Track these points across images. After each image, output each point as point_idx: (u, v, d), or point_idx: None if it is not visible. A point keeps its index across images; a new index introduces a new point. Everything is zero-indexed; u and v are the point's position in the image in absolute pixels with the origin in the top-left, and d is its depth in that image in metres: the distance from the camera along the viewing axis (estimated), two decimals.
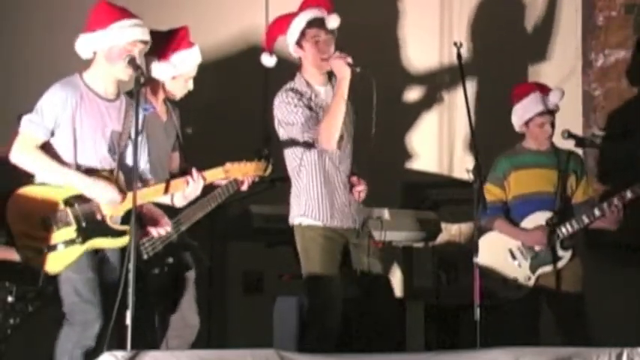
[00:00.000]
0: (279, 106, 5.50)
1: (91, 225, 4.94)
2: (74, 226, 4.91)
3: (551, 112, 6.10)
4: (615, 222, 6.00)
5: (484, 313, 5.34)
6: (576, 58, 7.54)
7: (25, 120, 4.97)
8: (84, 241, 4.92)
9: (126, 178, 5.06)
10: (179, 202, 5.17)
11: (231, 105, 7.28)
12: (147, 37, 5.07)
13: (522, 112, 6.12)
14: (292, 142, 5.49)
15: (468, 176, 5.56)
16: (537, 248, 6.00)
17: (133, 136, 4.90)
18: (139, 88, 4.89)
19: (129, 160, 5.10)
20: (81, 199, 4.95)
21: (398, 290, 7.23)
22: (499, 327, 5.75)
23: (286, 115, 5.47)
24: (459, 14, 7.60)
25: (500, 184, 6.11)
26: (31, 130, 4.95)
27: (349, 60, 5.41)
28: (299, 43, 5.56)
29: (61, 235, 4.90)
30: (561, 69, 7.54)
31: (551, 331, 6.03)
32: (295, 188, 5.55)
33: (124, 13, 5.03)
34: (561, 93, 6.15)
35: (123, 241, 4.94)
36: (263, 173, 5.33)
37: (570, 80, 7.48)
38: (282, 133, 5.53)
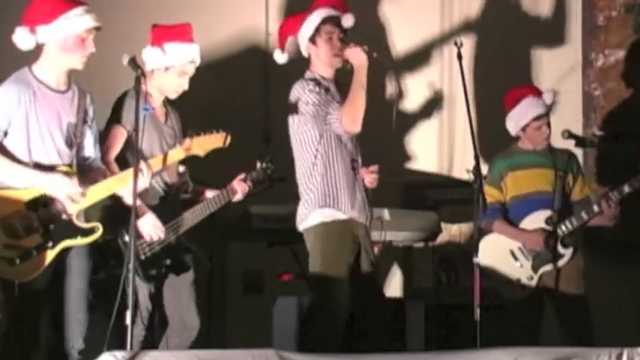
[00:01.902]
0: (299, 90, 5.49)
1: (59, 226, 4.86)
2: (41, 231, 4.81)
3: (546, 114, 6.10)
4: (612, 218, 6.00)
5: (485, 313, 5.34)
6: (576, 58, 7.53)
7: None
8: (55, 244, 4.84)
9: (83, 170, 4.98)
10: (128, 198, 4.99)
11: (230, 105, 7.27)
12: (99, 24, 4.95)
13: (518, 117, 6.11)
14: (309, 129, 5.46)
15: (468, 176, 5.56)
16: (538, 248, 6.00)
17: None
18: (139, 87, 4.86)
19: (86, 152, 5.04)
20: (43, 201, 4.84)
21: (398, 290, 7.24)
22: (500, 327, 5.74)
23: (306, 95, 5.45)
24: (459, 14, 7.59)
25: (497, 186, 6.11)
26: None
27: (366, 48, 5.47)
28: (312, 40, 5.58)
29: (30, 241, 4.79)
30: (561, 69, 7.53)
31: (552, 331, 6.02)
32: (310, 184, 5.49)
33: (72, 2, 4.92)
34: (554, 94, 6.15)
35: (93, 237, 4.90)
36: (223, 145, 5.26)
37: (570, 80, 7.48)
38: (299, 118, 5.48)
